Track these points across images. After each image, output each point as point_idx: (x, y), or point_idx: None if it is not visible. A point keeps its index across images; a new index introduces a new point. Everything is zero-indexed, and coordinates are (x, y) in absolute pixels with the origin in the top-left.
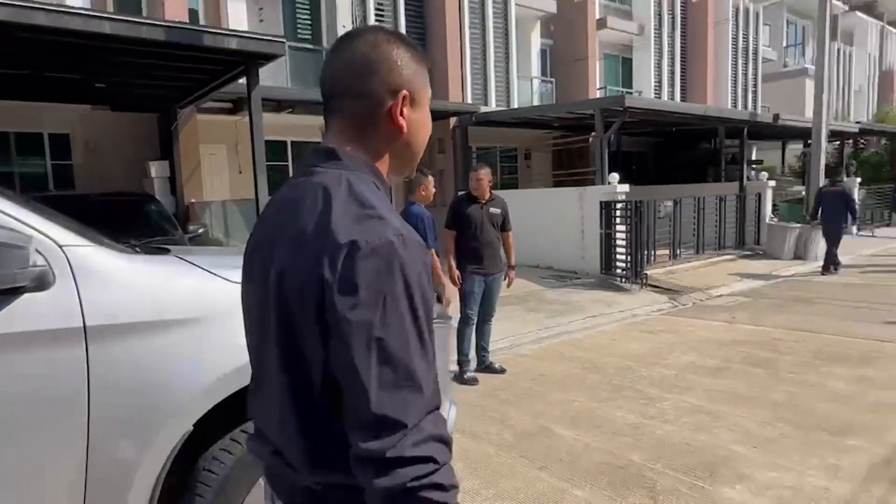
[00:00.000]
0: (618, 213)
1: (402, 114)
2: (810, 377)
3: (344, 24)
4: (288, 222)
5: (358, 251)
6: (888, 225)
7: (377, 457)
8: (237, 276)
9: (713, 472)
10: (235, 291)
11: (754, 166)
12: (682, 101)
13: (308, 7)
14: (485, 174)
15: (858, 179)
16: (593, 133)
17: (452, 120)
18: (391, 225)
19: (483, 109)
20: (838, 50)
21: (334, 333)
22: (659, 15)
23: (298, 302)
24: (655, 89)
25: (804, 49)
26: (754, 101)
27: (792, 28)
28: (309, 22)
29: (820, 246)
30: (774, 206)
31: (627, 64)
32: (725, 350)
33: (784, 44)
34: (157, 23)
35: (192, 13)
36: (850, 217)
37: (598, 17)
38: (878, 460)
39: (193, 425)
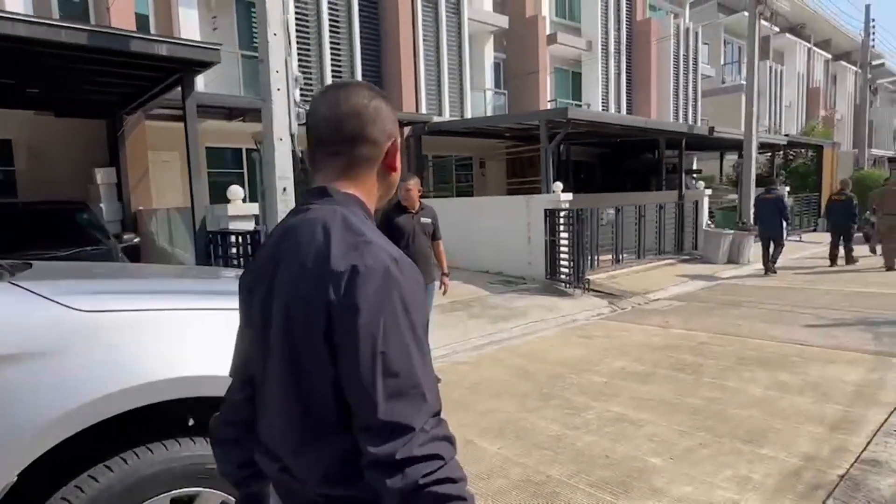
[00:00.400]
0: (561, 220)
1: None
2: (731, 382)
3: (275, 33)
4: (290, 255)
5: (358, 275)
6: (815, 230)
7: (388, 460)
8: (94, 303)
9: (628, 486)
10: (83, 321)
11: (694, 175)
12: (627, 113)
13: None
14: (414, 184)
15: (787, 188)
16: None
17: (406, 129)
18: (385, 250)
19: (436, 119)
20: (770, 68)
21: (342, 351)
22: (606, 32)
23: (304, 325)
24: (603, 102)
25: (740, 67)
26: (694, 114)
27: (729, 47)
28: None
29: (752, 250)
30: (711, 213)
31: (577, 78)
32: (656, 355)
33: (722, 62)
34: (78, 27)
35: (143, 20)
36: (783, 222)
37: (548, 32)
38: (788, 471)
39: (20, 476)
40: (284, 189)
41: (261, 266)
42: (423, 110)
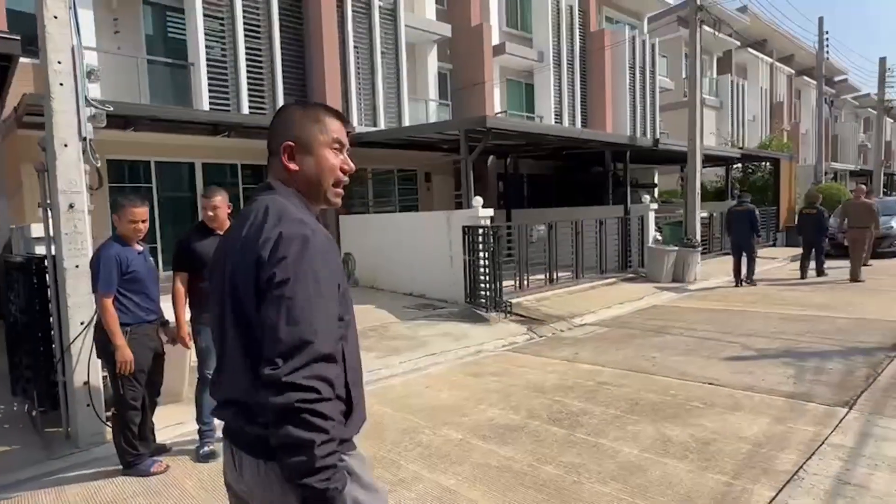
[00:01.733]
0: (480, 238)
1: (291, 159)
2: (608, 440)
3: (56, 15)
4: (239, 230)
5: (282, 239)
6: (773, 244)
7: (275, 380)
8: None
9: None
10: None
11: (653, 189)
12: (582, 125)
13: (180, 20)
14: (221, 200)
15: None
16: (491, 156)
17: None
18: (307, 225)
19: (358, 130)
20: (732, 82)
21: (264, 296)
22: (558, 43)
23: (244, 281)
24: (556, 114)
25: (701, 80)
26: (653, 127)
27: (691, 61)
28: (181, 35)
29: (699, 268)
30: (659, 228)
31: (531, 90)
32: (540, 400)
33: (683, 75)
34: None
35: (27, 20)
36: (752, 233)
37: (496, 42)
38: None
39: None
40: (71, 205)
41: (221, 242)
42: (355, 121)
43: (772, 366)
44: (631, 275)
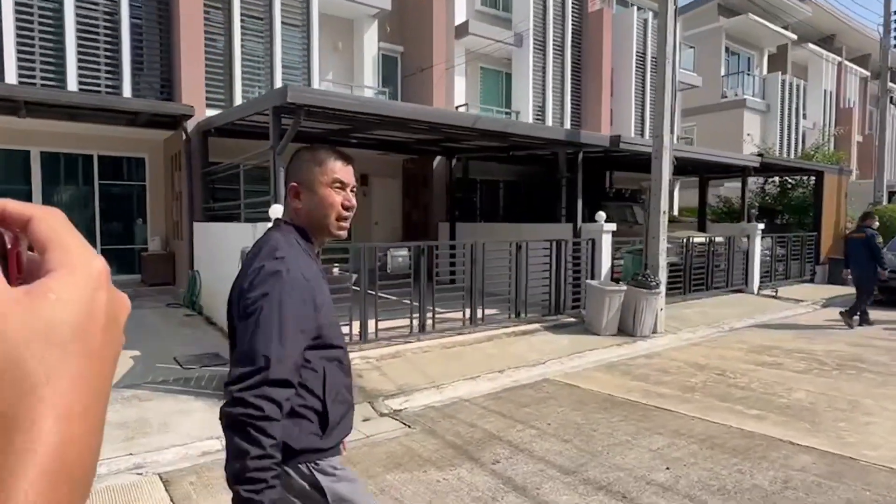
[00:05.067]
0: None
1: (297, 198)
2: None
3: None
4: (245, 260)
5: (259, 273)
6: (811, 280)
7: (231, 392)
8: None
9: None
10: None
11: (642, 199)
12: (573, 126)
13: None
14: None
15: (761, 225)
16: (438, 157)
17: (191, 125)
18: (285, 263)
19: (208, 114)
20: (783, 82)
21: (238, 319)
22: (543, 25)
23: (234, 305)
24: (537, 109)
25: (744, 79)
26: (671, 129)
27: (735, 58)
28: None
29: (661, 316)
30: (624, 255)
31: (511, 80)
32: None
33: (723, 72)
34: None
35: None
36: (875, 264)
37: (461, 21)
38: None
39: None
40: None
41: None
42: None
43: None
44: (570, 319)
